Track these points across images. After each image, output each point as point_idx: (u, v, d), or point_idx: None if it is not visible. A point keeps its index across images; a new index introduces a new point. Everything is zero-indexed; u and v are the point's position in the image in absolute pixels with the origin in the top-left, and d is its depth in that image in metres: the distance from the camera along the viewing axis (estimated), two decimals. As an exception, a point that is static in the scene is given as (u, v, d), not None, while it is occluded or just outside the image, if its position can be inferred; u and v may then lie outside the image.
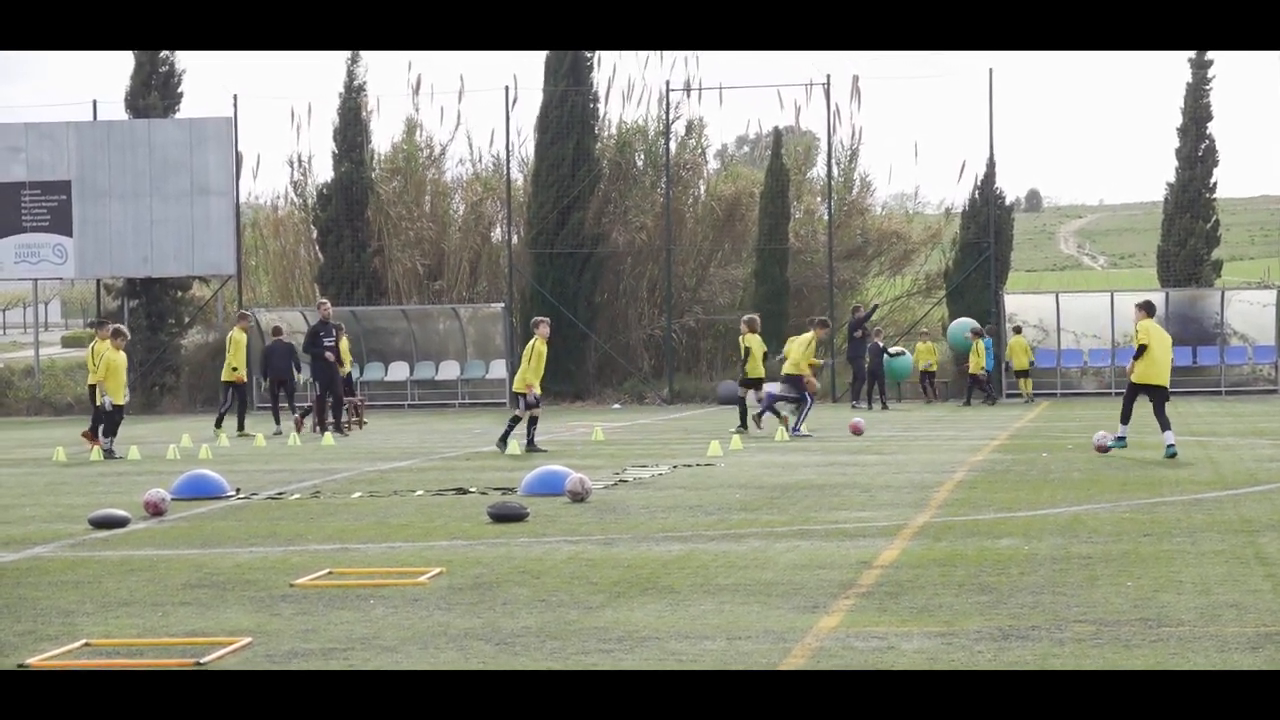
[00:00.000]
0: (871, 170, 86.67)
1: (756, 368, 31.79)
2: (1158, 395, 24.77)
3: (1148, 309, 25.35)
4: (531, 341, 27.92)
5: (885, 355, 43.86)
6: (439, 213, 54.21)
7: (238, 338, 35.36)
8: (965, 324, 45.32)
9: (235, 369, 35.09)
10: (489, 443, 30.33)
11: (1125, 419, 25.03)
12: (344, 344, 38.34)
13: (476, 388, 49.34)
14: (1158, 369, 24.77)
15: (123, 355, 29.37)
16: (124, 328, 30.67)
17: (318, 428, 33.85)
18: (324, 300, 38.53)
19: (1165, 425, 24.55)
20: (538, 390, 27.94)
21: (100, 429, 29.22)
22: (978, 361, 44.29)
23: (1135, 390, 24.94)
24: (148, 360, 50.22)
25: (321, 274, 51.85)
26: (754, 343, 31.78)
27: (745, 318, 32.42)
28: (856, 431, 30.35)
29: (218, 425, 34.65)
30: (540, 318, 29.20)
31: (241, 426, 34.79)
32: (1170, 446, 24.30)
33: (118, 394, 28.99)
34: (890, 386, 45.24)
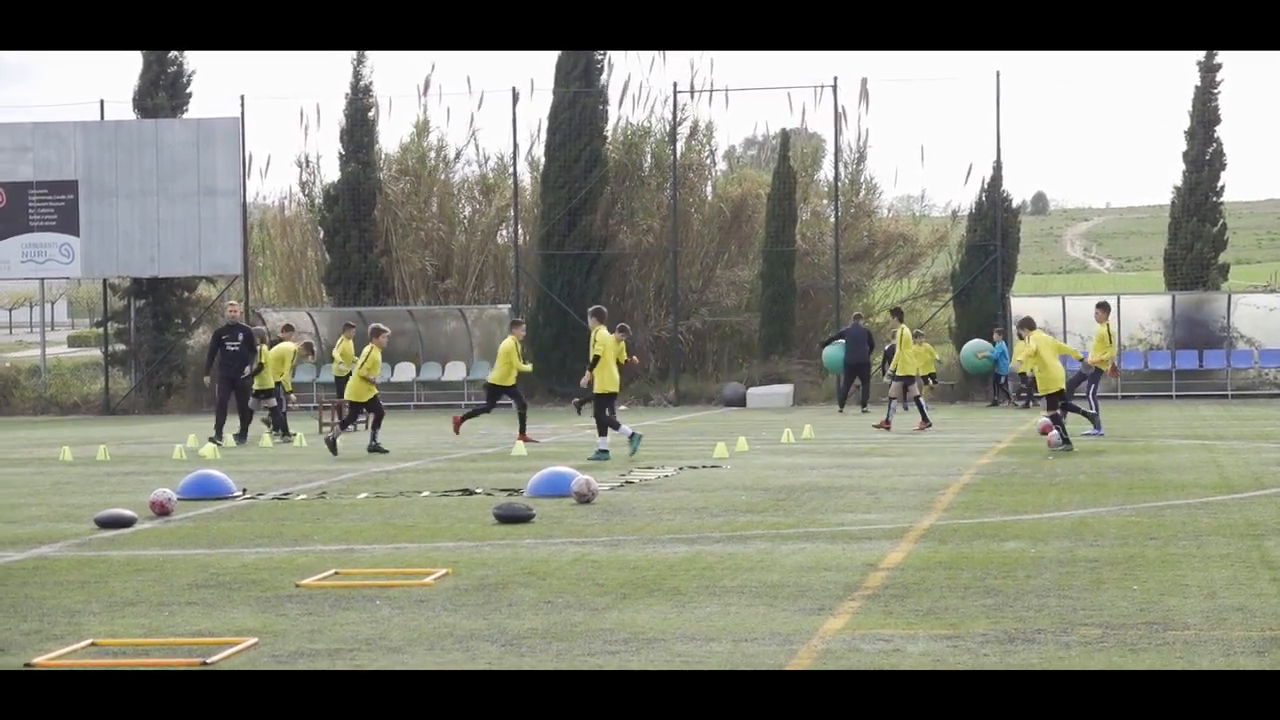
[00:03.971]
0: (878, 173, 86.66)
1: (266, 381, 33.00)
2: (605, 401, 26.67)
3: (598, 318, 27.36)
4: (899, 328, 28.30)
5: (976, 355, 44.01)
6: (447, 213, 54.26)
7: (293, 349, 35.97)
8: (974, 346, 45.20)
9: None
10: (494, 444, 30.35)
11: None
12: (347, 347, 38.26)
13: (482, 389, 49.30)
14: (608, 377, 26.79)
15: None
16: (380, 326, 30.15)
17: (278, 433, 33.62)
18: (233, 301, 38.06)
19: (610, 428, 26.51)
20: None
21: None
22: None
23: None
24: (154, 360, 50.28)
25: (328, 274, 51.90)
26: (283, 352, 33.40)
27: (284, 325, 33.98)
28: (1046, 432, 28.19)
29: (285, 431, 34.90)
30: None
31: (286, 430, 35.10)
32: (602, 451, 26.03)
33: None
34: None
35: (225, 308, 35.36)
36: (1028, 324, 27.22)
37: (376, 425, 28.49)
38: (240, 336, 32.63)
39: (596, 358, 26.50)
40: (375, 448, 27.91)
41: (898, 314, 35.90)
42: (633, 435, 26.38)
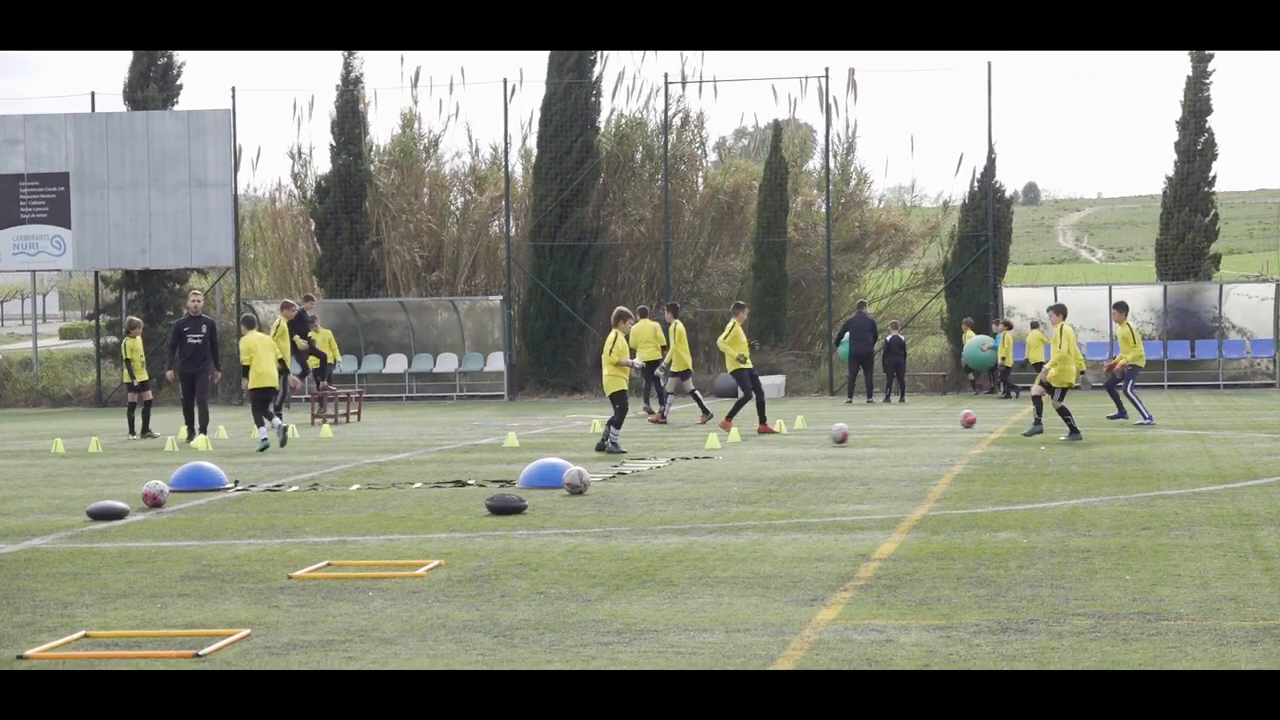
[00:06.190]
0: (869, 163, 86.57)
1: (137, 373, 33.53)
2: (261, 395, 28.12)
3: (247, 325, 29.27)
4: None
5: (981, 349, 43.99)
6: (438, 205, 54.21)
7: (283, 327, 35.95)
8: (979, 340, 45.07)
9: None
10: (487, 435, 30.34)
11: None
12: (327, 335, 38.26)
13: (474, 380, 49.33)
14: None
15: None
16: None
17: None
18: (196, 290, 37.08)
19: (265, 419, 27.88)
20: None
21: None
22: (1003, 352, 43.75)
23: None
24: (145, 352, 50.16)
25: (319, 266, 51.85)
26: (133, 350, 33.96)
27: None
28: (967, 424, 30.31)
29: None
30: None
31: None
32: (265, 440, 27.49)
33: None
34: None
35: (190, 296, 33.09)
36: (1061, 311, 27.66)
37: (615, 424, 25.92)
38: (203, 329, 30.62)
39: (246, 366, 28.38)
40: (614, 446, 25.61)
41: (673, 309, 35.94)
42: (280, 432, 27.78)
